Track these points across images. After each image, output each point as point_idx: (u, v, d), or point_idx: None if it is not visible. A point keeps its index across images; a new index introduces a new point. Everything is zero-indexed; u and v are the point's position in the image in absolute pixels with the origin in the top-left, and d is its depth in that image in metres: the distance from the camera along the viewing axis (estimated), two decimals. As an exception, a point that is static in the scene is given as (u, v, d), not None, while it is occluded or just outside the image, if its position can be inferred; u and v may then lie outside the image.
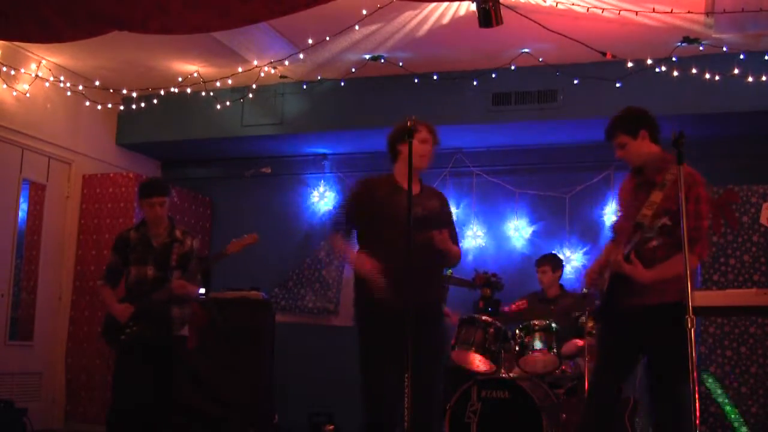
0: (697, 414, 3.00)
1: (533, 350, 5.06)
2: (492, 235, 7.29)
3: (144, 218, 4.87)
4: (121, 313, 4.69)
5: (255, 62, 6.50)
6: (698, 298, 3.97)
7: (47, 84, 6.72)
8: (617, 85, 6.13)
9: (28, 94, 6.57)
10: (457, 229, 4.14)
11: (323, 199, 7.77)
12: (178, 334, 4.81)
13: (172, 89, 6.87)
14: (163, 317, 4.72)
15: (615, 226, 3.96)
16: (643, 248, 3.47)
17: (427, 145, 3.89)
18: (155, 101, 7.03)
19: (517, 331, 5.21)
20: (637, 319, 3.54)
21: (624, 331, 3.62)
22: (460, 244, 4.15)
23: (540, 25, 5.45)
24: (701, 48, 5.92)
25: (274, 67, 6.57)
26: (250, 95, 6.96)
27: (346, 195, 3.97)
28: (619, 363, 3.70)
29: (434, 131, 3.95)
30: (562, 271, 6.10)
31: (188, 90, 6.87)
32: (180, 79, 6.82)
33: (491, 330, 5.13)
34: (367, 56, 6.45)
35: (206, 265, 5.26)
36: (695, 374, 3.01)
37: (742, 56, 5.93)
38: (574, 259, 6.98)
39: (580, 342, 5.12)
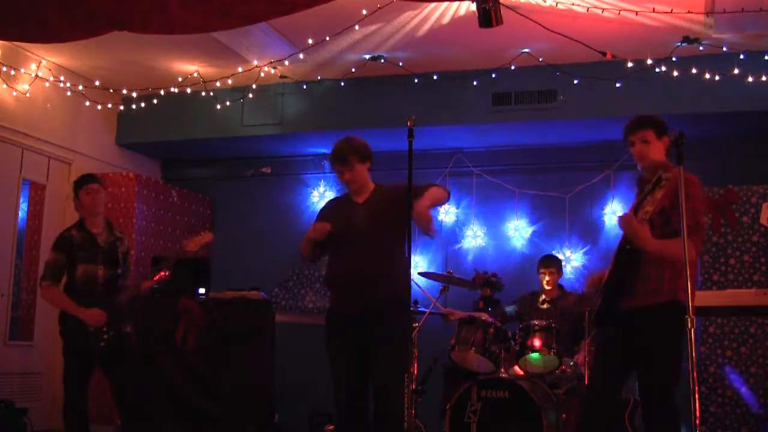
0: (698, 414, 3.00)
1: (533, 350, 5.06)
2: (492, 235, 7.30)
3: (81, 218, 4.80)
4: (96, 318, 4.62)
5: (255, 62, 6.50)
6: (698, 298, 3.99)
7: (47, 84, 6.72)
8: (617, 85, 6.14)
9: (28, 94, 6.57)
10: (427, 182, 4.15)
11: (323, 199, 7.76)
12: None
13: (172, 89, 6.87)
14: (125, 318, 4.79)
15: None
16: None
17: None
18: (155, 101, 7.03)
19: (517, 331, 5.21)
20: (632, 321, 3.53)
21: (620, 334, 3.60)
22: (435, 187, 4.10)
23: (540, 25, 5.45)
24: (701, 48, 5.92)
25: (274, 67, 6.57)
26: (250, 95, 6.96)
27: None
28: (617, 366, 3.69)
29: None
30: (563, 272, 6.09)
31: (188, 90, 6.87)
32: (180, 79, 6.82)
33: (491, 330, 5.13)
34: (367, 56, 6.45)
35: (174, 261, 5.11)
36: (695, 374, 3.01)
37: (741, 56, 5.93)
38: (574, 259, 6.99)
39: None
